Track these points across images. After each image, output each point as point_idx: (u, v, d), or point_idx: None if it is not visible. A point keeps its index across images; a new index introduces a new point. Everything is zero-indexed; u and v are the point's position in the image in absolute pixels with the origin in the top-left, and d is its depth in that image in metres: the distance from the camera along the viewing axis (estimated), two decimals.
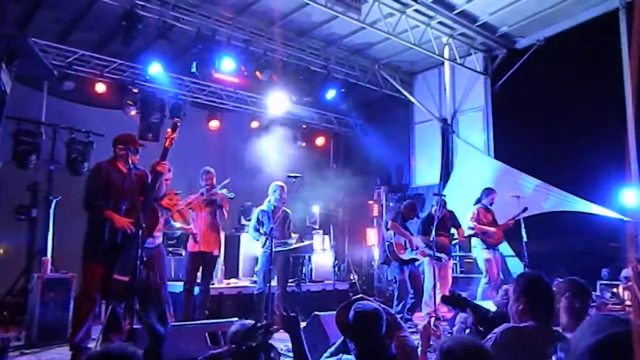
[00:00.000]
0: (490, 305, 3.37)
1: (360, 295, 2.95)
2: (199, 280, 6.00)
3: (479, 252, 7.01)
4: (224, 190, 6.05)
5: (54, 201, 6.17)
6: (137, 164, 4.41)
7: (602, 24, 7.21)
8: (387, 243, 6.66)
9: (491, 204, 7.01)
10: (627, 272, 5.55)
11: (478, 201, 7.09)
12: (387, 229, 6.61)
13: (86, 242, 4.17)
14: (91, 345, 4.22)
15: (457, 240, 7.03)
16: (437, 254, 6.36)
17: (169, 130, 4.29)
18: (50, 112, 7.54)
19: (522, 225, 6.45)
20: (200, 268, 5.96)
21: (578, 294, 2.61)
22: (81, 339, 4.13)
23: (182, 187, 5.99)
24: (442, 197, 7.04)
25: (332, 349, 2.92)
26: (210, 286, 6.20)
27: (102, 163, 4.47)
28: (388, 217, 6.97)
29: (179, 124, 4.33)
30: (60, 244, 6.00)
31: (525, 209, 6.62)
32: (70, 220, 5.03)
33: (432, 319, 3.11)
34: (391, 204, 9.95)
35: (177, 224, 5.85)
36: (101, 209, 4.12)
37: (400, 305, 6.46)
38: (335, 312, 2.74)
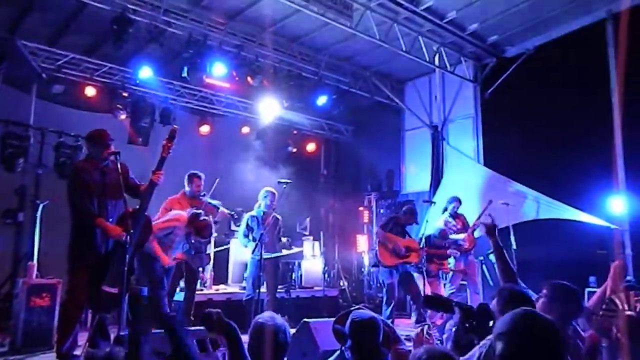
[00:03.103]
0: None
1: (359, 306, 2.96)
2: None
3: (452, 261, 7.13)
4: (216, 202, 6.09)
5: (41, 205, 6.11)
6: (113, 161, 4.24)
7: (589, 33, 7.29)
8: (374, 250, 6.71)
9: (456, 211, 7.17)
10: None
11: (444, 210, 7.25)
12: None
13: (73, 248, 4.08)
14: (77, 352, 4.16)
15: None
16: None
17: (167, 138, 4.23)
18: (39, 116, 7.46)
19: (511, 233, 6.49)
20: (185, 275, 5.91)
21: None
22: (68, 347, 4.07)
23: (171, 192, 5.95)
24: (433, 204, 7.11)
25: None
26: (199, 292, 6.15)
27: (79, 163, 4.42)
28: (379, 223, 7.03)
29: (176, 132, 4.27)
30: (46, 249, 5.93)
31: (490, 202, 6.81)
32: (57, 225, 4.97)
33: (426, 327, 3.16)
34: (381, 210, 9.97)
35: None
36: (93, 216, 4.05)
37: (389, 309, 6.46)
38: (324, 319, 2.74)
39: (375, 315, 2.77)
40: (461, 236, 6.94)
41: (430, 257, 6.65)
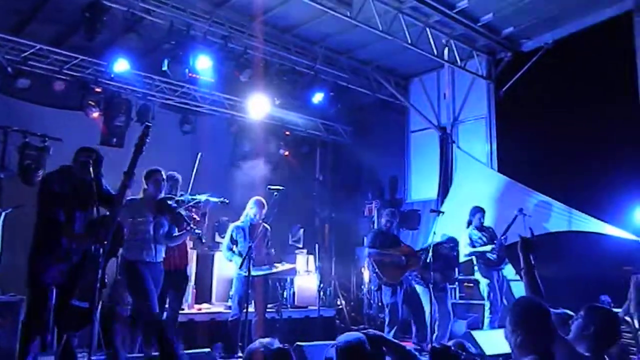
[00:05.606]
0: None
1: (363, 326, 2.99)
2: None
3: (480, 277, 7.14)
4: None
5: (3, 214, 6.08)
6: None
7: (614, 26, 7.36)
8: (374, 273, 6.72)
9: (481, 222, 7.22)
10: None
11: (469, 223, 7.29)
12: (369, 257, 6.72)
13: (34, 254, 4.09)
14: None
15: None
16: None
17: (139, 136, 4.24)
18: (1, 113, 7.45)
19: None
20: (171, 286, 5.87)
21: None
22: None
23: None
24: (441, 214, 7.13)
25: None
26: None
27: (50, 174, 4.47)
28: (365, 246, 7.06)
29: (150, 129, 4.27)
30: (8, 262, 5.89)
31: (517, 216, 6.84)
32: (21, 235, 4.94)
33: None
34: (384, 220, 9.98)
35: None
36: (63, 228, 4.07)
37: (392, 331, 6.47)
38: (320, 342, 2.75)
39: (360, 333, 2.77)
40: (488, 248, 6.98)
41: (436, 266, 6.66)
